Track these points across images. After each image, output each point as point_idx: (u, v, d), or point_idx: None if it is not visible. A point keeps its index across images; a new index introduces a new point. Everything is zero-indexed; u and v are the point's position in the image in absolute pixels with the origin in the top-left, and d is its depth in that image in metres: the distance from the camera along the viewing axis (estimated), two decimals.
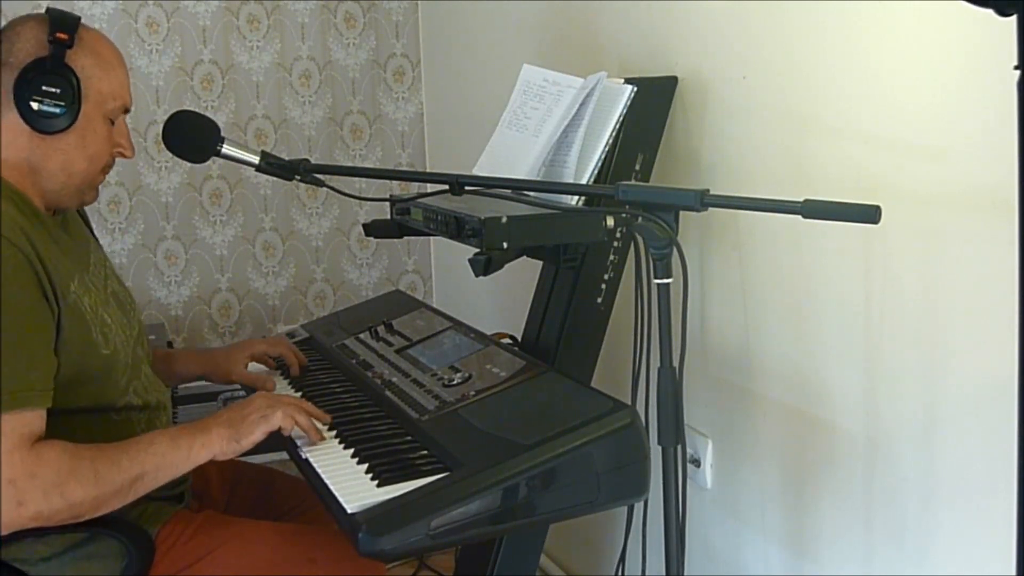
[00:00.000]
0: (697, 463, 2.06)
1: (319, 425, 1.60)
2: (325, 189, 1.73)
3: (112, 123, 1.58)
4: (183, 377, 1.97)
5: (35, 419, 1.39)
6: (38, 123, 1.48)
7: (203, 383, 2.80)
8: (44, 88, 1.47)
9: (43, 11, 1.54)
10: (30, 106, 1.46)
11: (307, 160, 1.66)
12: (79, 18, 1.54)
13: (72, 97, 1.49)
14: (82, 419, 1.50)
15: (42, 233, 1.48)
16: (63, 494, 1.37)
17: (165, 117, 1.68)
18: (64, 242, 1.56)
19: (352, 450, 1.56)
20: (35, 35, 1.49)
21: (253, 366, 2.00)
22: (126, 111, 1.61)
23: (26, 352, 1.39)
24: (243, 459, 1.69)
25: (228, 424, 1.51)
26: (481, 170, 1.91)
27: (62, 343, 1.45)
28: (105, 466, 1.41)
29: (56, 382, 1.43)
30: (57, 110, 1.48)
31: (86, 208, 1.74)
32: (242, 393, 2.42)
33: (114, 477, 1.41)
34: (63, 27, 1.50)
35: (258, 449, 1.55)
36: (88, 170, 1.55)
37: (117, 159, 1.63)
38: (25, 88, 1.46)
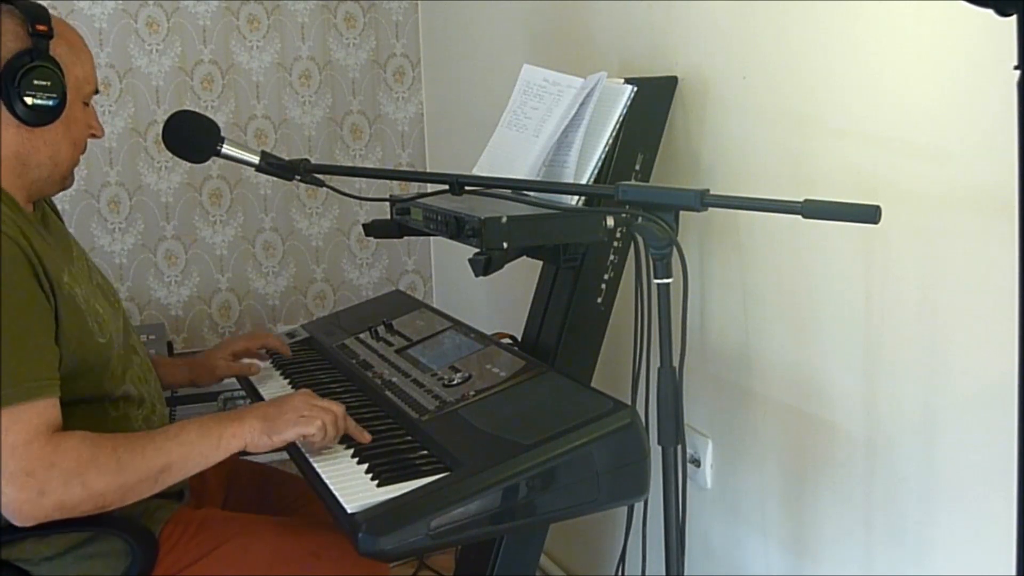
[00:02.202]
0: (697, 463, 2.06)
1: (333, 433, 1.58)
2: (325, 189, 1.73)
3: (86, 105, 1.59)
4: (168, 384, 1.98)
5: (49, 408, 1.39)
6: (31, 117, 1.48)
7: None
8: (36, 82, 1.46)
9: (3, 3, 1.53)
10: (23, 101, 1.46)
11: (307, 160, 1.66)
12: (45, 7, 1.54)
13: (61, 87, 1.49)
14: (81, 410, 1.50)
15: (30, 228, 1.49)
16: (84, 483, 1.37)
17: (165, 117, 1.68)
18: (48, 237, 1.56)
19: (352, 450, 1.56)
20: (11, 28, 1.48)
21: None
22: (96, 92, 1.62)
23: (32, 343, 1.39)
24: (241, 457, 1.69)
25: (263, 418, 1.50)
26: (481, 170, 1.91)
27: (61, 334, 1.45)
28: (129, 454, 1.41)
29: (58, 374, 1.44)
30: (51, 102, 1.48)
31: (63, 210, 1.74)
32: (242, 393, 2.42)
33: (139, 465, 1.41)
34: (39, 18, 1.49)
35: None
36: (72, 156, 1.57)
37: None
38: (13, 83, 1.45)
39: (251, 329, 3.33)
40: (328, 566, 1.57)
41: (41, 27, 1.48)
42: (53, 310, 1.44)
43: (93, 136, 1.62)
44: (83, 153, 1.62)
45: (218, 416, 1.51)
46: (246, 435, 1.48)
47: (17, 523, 1.38)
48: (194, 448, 1.45)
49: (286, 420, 1.51)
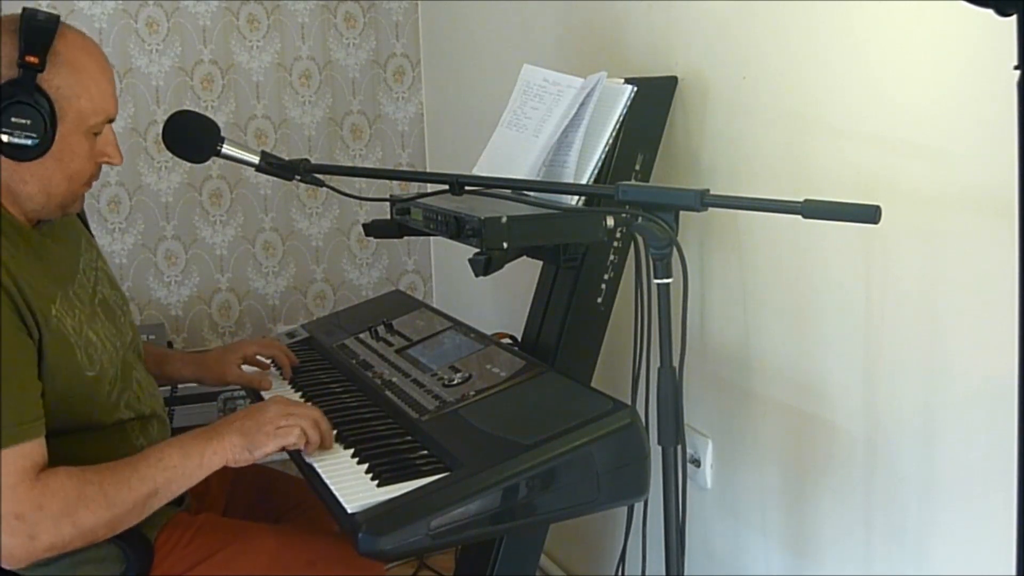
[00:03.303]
0: (697, 463, 2.06)
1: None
2: (325, 189, 1.72)
3: (96, 134, 1.51)
4: (175, 379, 1.97)
5: (34, 449, 1.37)
6: (10, 153, 1.42)
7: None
8: (14, 120, 1.39)
9: (20, 12, 1.45)
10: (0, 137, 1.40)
11: (307, 160, 1.66)
12: (57, 23, 1.44)
13: (44, 126, 1.41)
14: (75, 438, 1.49)
15: (23, 252, 1.46)
16: (74, 522, 1.36)
17: (165, 117, 1.67)
18: (49, 254, 1.53)
19: (352, 450, 1.56)
20: (7, 52, 1.41)
21: (247, 368, 2.00)
22: (110, 120, 1.54)
23: (15, 384, 1.37)
24: None
25: (242, 432, 1.48)
26: (481, 170, 1.91)
27: (45, 370, 1.43)
28: (114, 488, 1.39)
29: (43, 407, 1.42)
30: (28, 142, 1.41)
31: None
32: (241, 393, 2.41)
33: (125, 497, 1.40)
34: (35, 46, 1.40)
35: None
36: (70, 187, 1.50)
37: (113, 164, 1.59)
38: None
39: (251, 330, 3.33)
40: (324, 573, 1.56)
41: (30, 59, 1.39)
42: (36, 346, 1.42)
43: (108, 163, 1.55)
44: (94, 180, 1.56)
45: (196, 435, 1.49)
46: (227, 452, 1.47)
47: (7, 567, 1.37)
48: (177, 471, 1.44)
49: (265, 433, 1.49)
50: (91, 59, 1.49)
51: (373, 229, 2.07)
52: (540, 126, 1.83)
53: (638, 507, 1.94)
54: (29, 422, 1.38)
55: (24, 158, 1.43)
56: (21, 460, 1.35)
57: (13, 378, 1.37)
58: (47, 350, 1.43)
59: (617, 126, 1.79)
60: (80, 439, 1.51)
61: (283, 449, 1.53)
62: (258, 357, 2.00)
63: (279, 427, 1.50)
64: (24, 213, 1.51)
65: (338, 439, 1.60)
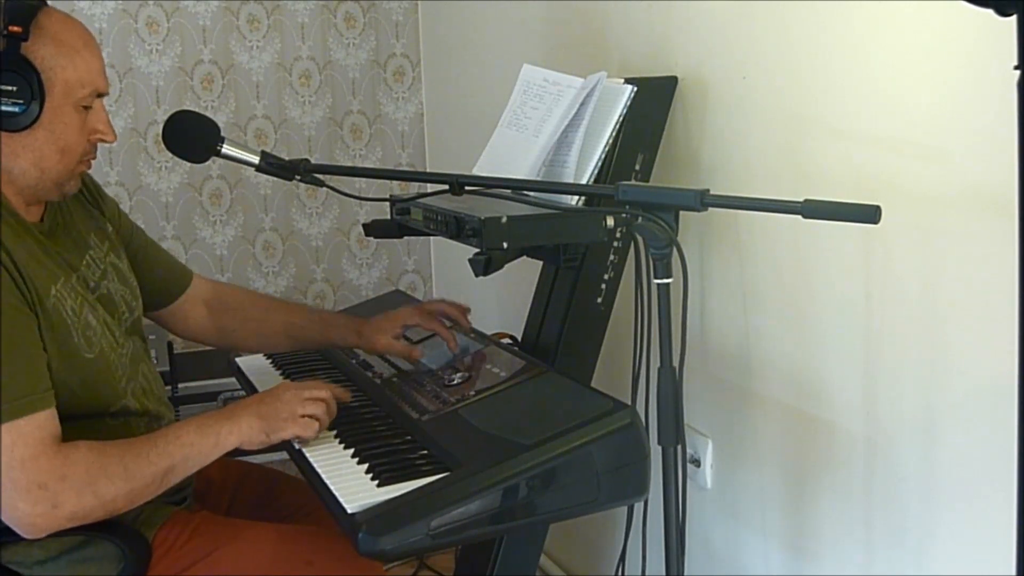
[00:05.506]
0: (697, 463, 2.06)
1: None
2: (325, 189, 1.72)
3: (87, 109, 1.51)
4: (339, 345, 1.96)
5: (49, 420, 1.40)
6: (0, 122, 1.43)
7: (202, 382, 2.85)
8: (1, 87, 1.41)
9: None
10: None
11: (307, 160, 1.65)
12: (41, 3, 1.47)
13: (32, 93, 1.43)
14: (79, 425, 1.49)
15: (23, 237, 1.46)
16: (96, 492, 1.39)
17: (165, 117, 1.67)
18: (50, 244, 1.53)
19: (352, 450, 1.56)
20: None
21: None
22: (101, 95, 1.54)
23: (22, 356, 1.39)
24: (244, 459, 1.68)
25: (259, 416, 1.51)
26: (481, 170, 1.91)
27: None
28: (134, 461, 1.42)
29: None
30: (16, 108, 1.42)
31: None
32: (242, 393, 2.41)
33: (144, 471, 1.43)
34: (17, 18, 1.43)
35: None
36: (62, 162, 1.50)
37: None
38: None
39: None
40: (322, 574, 1.56)
41: (13, 28, 1.41)
42: (36, 323, 1.43)
43: (102, 140, 1.55)
44: (90, 157, 1.56)
45: (213, 415, 1.51)
46: (243, 433, 1.50)
47: (29, 536, 1.39)
48: (194, 448, 1.47)
49: (283, 419, 1.52)
50: (74, 33, 1.50)
51: (373, 229, 2.07)
52: (540, 126, 1.83)
53: (638, 507, 1.94)
54: (41, 392, 1.40)
55: (13, 128, 1.44)
56: (39, 430, 1.37)
57: (22, 350, 1.39)
58: (43, 330, 1.44)
59: (617, 126, 1.79)
60: (86, 428, 1.50)
61: (299, 439, 1.55)
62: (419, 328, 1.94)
63: (297, 420, 1.53)
64: (20, 192, 1.50)
65: (338, 439, 1.60)
